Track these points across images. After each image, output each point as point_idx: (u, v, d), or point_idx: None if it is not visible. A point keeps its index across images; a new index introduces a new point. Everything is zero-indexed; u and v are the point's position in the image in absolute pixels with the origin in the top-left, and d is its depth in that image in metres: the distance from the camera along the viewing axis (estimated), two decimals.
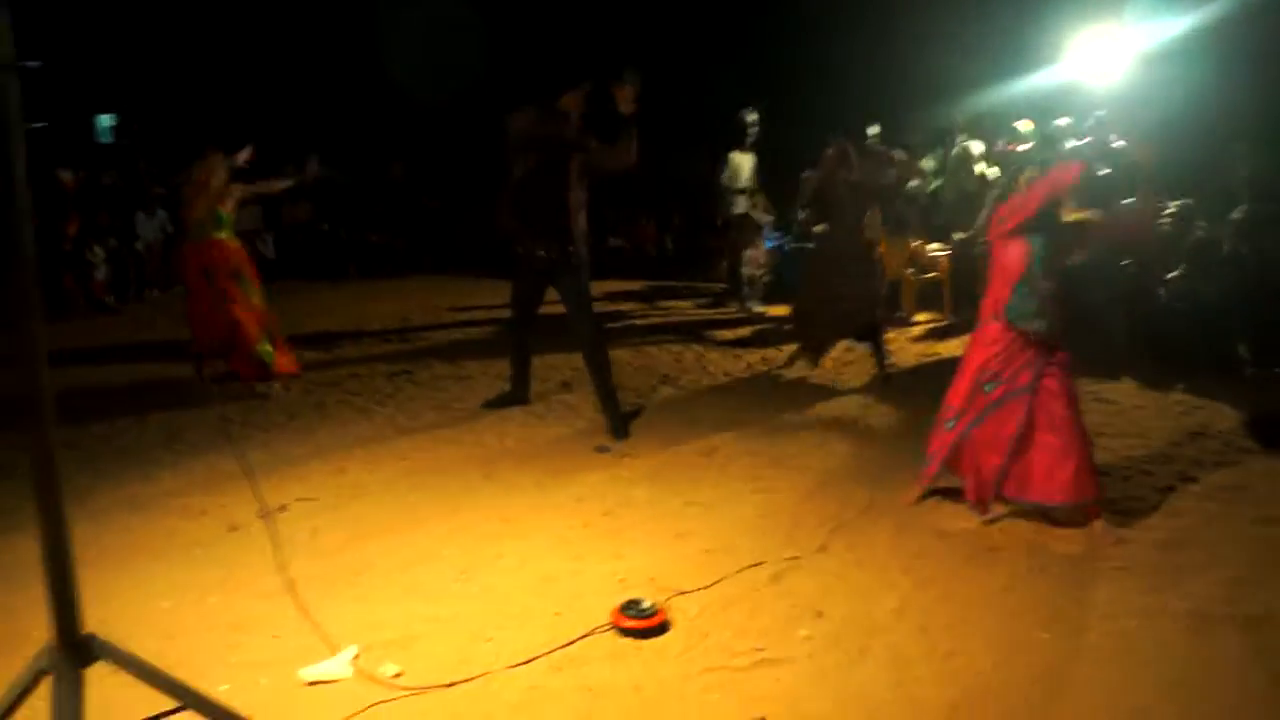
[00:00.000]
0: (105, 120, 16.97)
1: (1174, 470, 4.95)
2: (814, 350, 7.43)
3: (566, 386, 6.91)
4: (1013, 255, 4.23)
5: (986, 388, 4.24)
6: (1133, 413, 6.10)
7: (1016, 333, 4.20)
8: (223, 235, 6.68)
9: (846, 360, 7.64)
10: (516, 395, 6.41)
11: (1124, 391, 6.61)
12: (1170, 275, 7.57)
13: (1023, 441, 4.15)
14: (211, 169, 6.63)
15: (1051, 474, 4.11)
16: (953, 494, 4.44)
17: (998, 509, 4.31)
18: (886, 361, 7.20)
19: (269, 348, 6.69)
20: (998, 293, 4.28)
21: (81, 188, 12.09)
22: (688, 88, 14.99)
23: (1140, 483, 4.78)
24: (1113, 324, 7.90)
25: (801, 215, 10.00)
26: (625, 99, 5.50)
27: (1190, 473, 4.91)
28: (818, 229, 7.89)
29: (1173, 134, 10.46)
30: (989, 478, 4.21)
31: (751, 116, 10.02)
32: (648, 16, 15.29)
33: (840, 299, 7.04)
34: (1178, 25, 10.21)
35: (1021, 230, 4.20)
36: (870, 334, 7.17)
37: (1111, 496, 4.50)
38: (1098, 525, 4.11)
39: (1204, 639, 3.25)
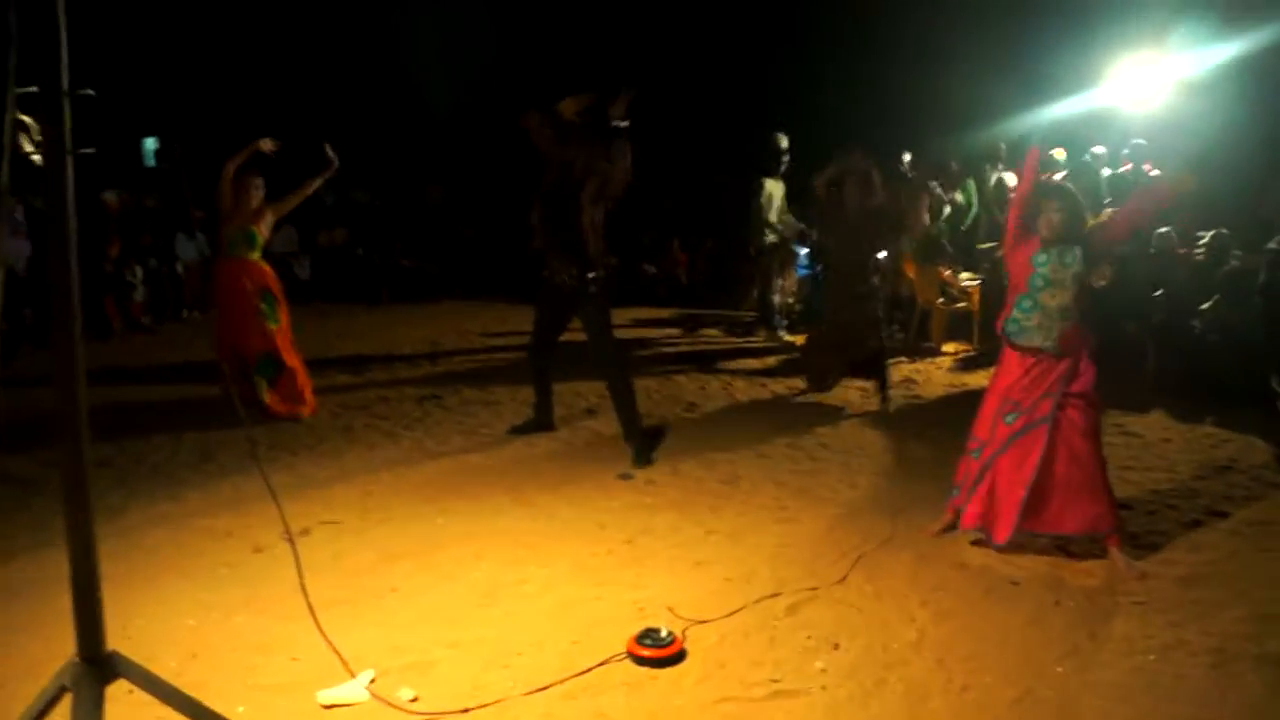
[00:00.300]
0: (151, 144, 17.27)
1: (1200, 505, 4.92)
2: (816, 376, 7.44)
3: (591, 413, 6.94)
4: (1016, 269, 4.27)
5: (1008, 419, 4.23)
6: (1160, 446, 6.06)
7: (1035, 359, 4.20)
8: (254, 255, 6.78)
9: (874, 391, 7.62)
10: (541, 421, 6.45)
11: (1152, 424, 6.57)
12: (1203, 306, 7.51)
13: (1042, 473, 4.13)
14: (248, 190, 6.73)
15: (1066, 505, 4.11)
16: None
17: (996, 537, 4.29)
18: (888, 391, 7.19)
19: (263, 379, 6.68)
20: (1006, 309, 4.31)
21: (125, 210, 12.32)
22: (724, 113, 15.08)
23: (1165, 517, 4.75)
24: (1143, 355, 7.86)
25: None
26: (617, 112, 5.56)
27: (1217, 507, 4.87)
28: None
29: (1211, 164, 10.40)
30: (1010, 510, 4.18)
31: (784, 142, 10.04)
32: (682, 44, 15.40)
33: (843, 325, 7.09)
34: (1219, 55, 10.15)
35: (1019, 241, 4.23)
36: (872, 363, 7.18)
37: (1135, 531, 4.48)
38: (1119, 559, 4.09)
39: (1224, 676, 3.22)
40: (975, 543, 4.33)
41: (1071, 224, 4.16)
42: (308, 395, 6.91)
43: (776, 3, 15.44)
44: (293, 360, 6.84)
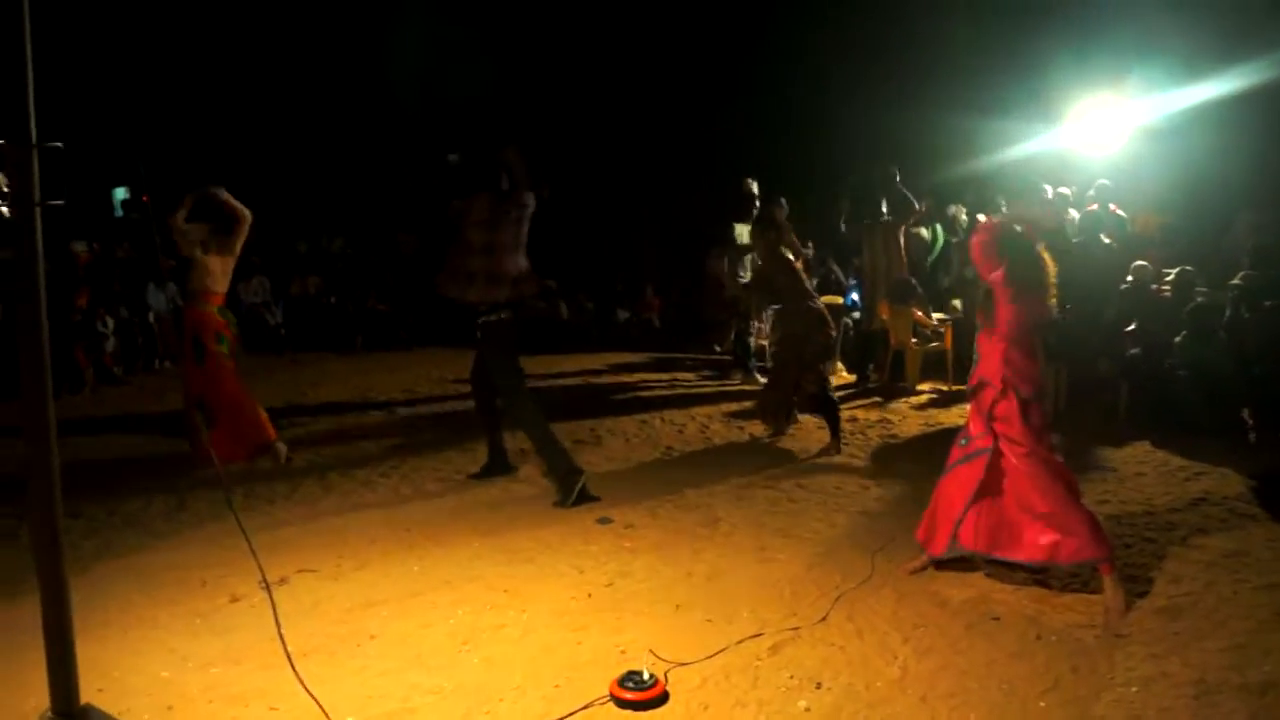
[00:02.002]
0: (120, 194, 17.25)
1: (1176, 537, 4.94)
2: (767, 415, 7.52)
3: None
4: None
5: (962, 442, 4.41)
6: (1135, 480, 6.10)
7: (976, 390, 4.33)
8: (194, 300, 6.70)
9: (851, 431, 7.65)
10: (497, 465, 6.47)
11: (1126, 458, 6.62)
12: (1176, 339, 7.60)
13: (989, 498, 4.24)
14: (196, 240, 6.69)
15: (1020, 533, 4.20)
16: (953, 562, 4.46)
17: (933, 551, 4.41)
18: (839, 433, 7.19)
19: (200, 419, 6.52)
20: None
21: (95, 260, 12.24)
22: (693, 157, 15.24)
23: (1142, 550, 4.77)
24: (1115, 390, 7.94)
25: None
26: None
27: (1193, 539, 4.90)
28: None
29: (1173, 206, 10.59)
30: (946, 526, 4.31)
31: (754, 188, 10.16)
32: (653, 84, 15.60)
33: (784, 364, 7.28)
34: (1179, 100, 10.36)
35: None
36: (816, 404, 7.30)
37: None
38: (1108, 589, 4.07)
39: (1206, 706, 3.22)
40: (933, 563, 4.48)
41: (1016, 270, 4.21)
42: (266, 433, 6.77)
43: (741, 50, 15.69)
44: (232, 407, 6.64)
